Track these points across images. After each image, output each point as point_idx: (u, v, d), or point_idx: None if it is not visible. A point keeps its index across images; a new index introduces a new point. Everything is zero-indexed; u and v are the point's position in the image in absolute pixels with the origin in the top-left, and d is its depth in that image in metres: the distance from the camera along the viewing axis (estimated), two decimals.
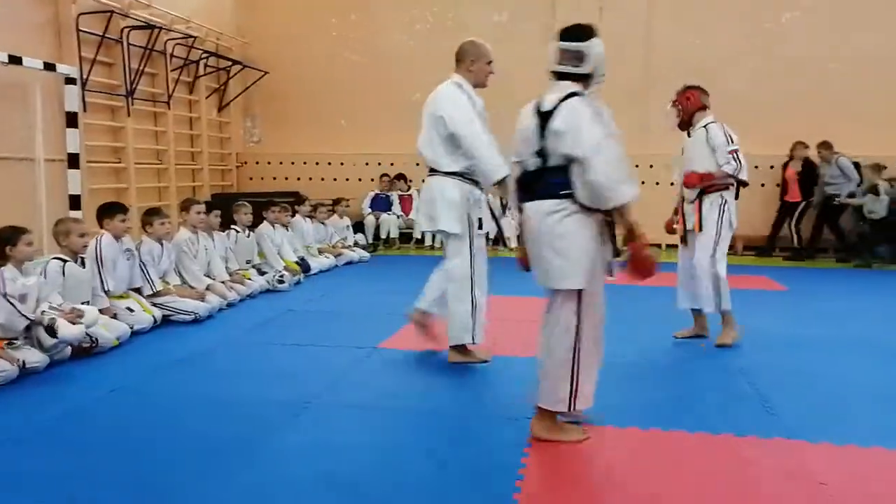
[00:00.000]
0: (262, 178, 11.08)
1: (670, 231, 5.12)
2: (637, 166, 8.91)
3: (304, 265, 7.46)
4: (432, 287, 4.42)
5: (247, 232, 6.94)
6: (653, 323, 5.23)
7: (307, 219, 8.40)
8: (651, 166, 9.33)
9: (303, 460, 2.92)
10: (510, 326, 5.05)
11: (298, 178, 10.93)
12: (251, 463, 2.89)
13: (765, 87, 9.48)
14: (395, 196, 10.50)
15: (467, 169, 4.11)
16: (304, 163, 11.01)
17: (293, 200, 8.43)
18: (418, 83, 10.63)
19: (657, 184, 9.02)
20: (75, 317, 4.22)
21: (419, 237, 10.27)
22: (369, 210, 10.40)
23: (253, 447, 3.04)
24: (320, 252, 8.26)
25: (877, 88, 9.40)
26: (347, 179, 10.89)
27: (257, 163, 11.18)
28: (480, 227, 4.21)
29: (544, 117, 2.98)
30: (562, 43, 3.04)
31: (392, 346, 4.69)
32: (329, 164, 10.99)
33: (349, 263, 8.54)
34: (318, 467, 2.85)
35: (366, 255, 9.04)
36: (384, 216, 10.30)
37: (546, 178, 2.97)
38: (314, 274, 7.60)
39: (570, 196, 2.93)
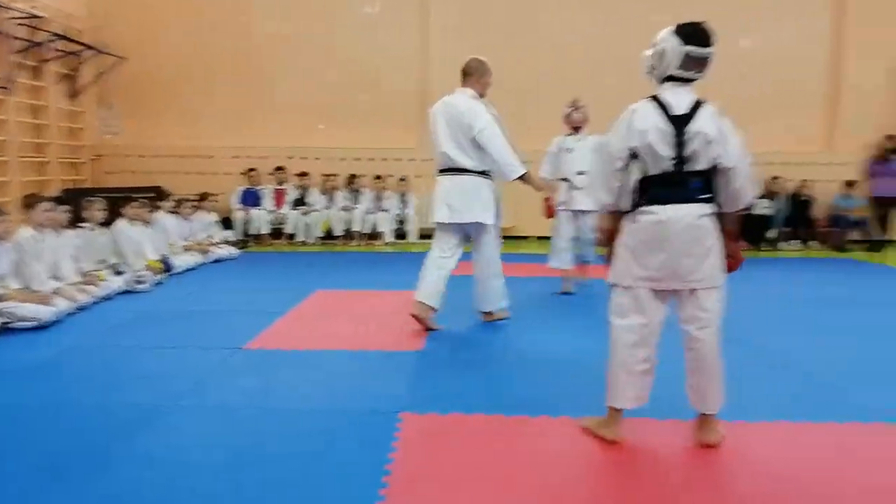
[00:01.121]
0: (121, 173, 10.38)
1: (550, 215, 6.01)
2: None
3: (166, 264, 7.06)
4: (436, 282, 4.76)
5: (100, 230, 6.47)
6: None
7: (170, 215, 7.98)
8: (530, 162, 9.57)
9: (159, 467, 2.76)
10: (380, 320, 5.06)
11: (162, 173, 10.32)
12: (104, 472, 2.71)
13: (641, 84, 9.91)
14: (265, 191, 10.19)
15: (490, 167, 4.75)
16: (169, 156, 10.43)
17: (155, 196, 7.97)
18: (288, 72, 10.52)
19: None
20: None
21: (292, 233, 10.03)
22: (239, 205, 10.02)
23: (106, 456, 2.84)
24: (186, 249, 7.87)
25: (759, 87, 10.02)
26: (215, 174, 10.42)
27: (116, 156, 10.47)
28: (499, 218, 4.94)
29: (679, 121, 2.85)
30: (692, 48, 2.82)
31: (259, 346, 4.53)
32: (196, 157, 10.47)
33: (217, 261, 8.18)
34: (176, 474, 2.70)
35: (235, 251, 8.69)
36: (254, 211, 9.98)
37: (689, 183, 2.88)
38: (179, 273, 7.22)
39: (711, 200, 2.90)
